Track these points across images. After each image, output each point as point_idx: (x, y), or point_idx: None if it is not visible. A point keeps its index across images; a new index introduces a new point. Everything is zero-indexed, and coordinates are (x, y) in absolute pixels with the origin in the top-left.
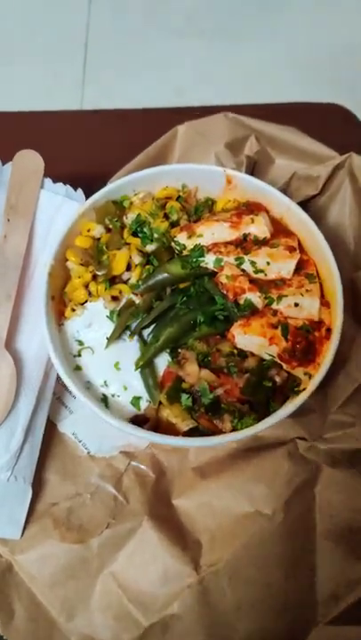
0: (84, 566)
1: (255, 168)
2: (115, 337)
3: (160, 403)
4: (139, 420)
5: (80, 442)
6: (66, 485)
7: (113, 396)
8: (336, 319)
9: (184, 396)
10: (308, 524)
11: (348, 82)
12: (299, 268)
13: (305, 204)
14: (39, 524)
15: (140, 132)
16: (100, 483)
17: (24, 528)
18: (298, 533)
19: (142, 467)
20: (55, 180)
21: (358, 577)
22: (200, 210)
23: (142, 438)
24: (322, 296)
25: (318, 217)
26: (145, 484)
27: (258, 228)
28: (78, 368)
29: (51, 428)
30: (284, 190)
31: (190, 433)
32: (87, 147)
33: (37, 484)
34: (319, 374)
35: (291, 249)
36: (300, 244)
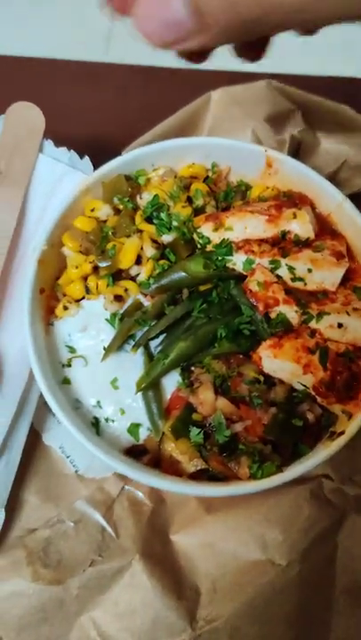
0: (59, 609)
1: (299, 150)
2: (114, 347)
3: (164, 434)
4: (136, 452)
5: (68, 458)
6: (47, 509)
7: (107, 420)
8: None
9: (194, 431)
10: (326, 579)
11: None
12: (346, 278)
13: (354, 199)
14: (10, 555)
15: (167, 94)
16: (87, 509)
17: None
18: (314, 588)
19: (138, 493)
20: (58, 144)
21: None
22: (231, 196)
23: (136, 480)
24: None
25: None
26: (140, 515)
27: (301, 225)
28: (67, 381)
29: (34, 440)
30: (332, 179)
31: (198, 475)
32: (102, 106)
33: (13, 505)
34: None
35: (338, 255)
36: (348, 249)
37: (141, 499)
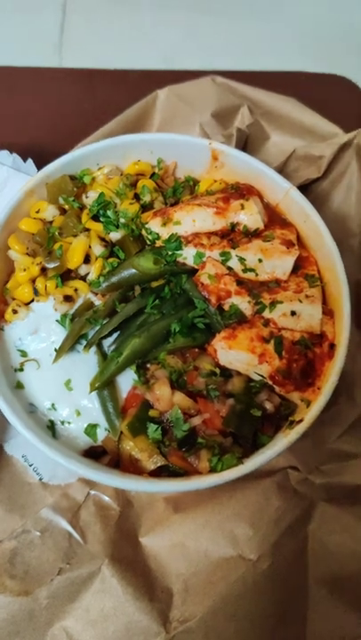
0: (29, 621)
1: (247, 144)
2: (66, 348)
3: (121, 433)
4: (95, 453)
5: (31, 466)
6: (12, 519)
7: (63, 422)
8: (342, 332)
9: (152, 427)
10: (298, 570)
11: (353, 57)
12: (297, 266)
13: (304, 189)
14: None
15: (113, 96)
16: (53, 517)
17: None
18: (287, 581)
19: (105, 497)
20: (1, 147)
21: (354, 632)
22: (179, 191)
23: (96, 481)
24: (324, 302)
25: (318, 204)
26: (107, 519)
27: (249, 215)
28: (20, 386)
29: None
30: (281, 171)
31: (158, 472)
32: (47, 108)
33: None
34: (319, 402)
35: (288, 243)
36: (298, 237)
37: (108, 502)
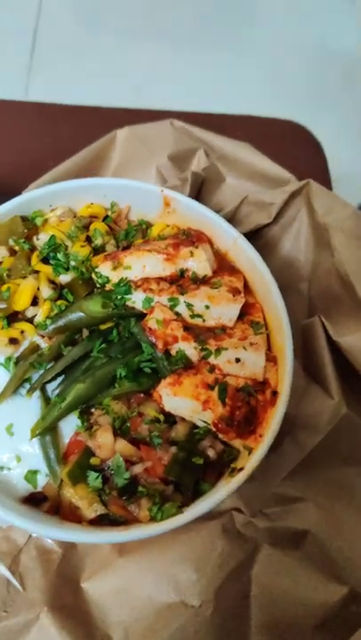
0: None
1: (203, 186)
2: (9, 392)
3: (62, 480)
4: (35, 499)
5: None
6: None
7: (2, 468)
8: (284, 381)
9: (92, 475)
10: (241, 617)
11: (312, 101)
12: (243, 313)
13: (255, 234)
14: None
15: (71, 132)
16: None
17: None
18: (229, 628)
19: (47, 540)
20: None
21: None
22: (132, 234)
23: (32, 532)
24: (268, 349)
25: (269, 249)
26: (48, 563)
27: (198, 263)
28: None
29: None
30: (233, 216)
31: (98, 520)
32: (5, 142)
33: None
34: (260, 450)
35: (235, 291)
36: (246, 284)
37: (50, 546)
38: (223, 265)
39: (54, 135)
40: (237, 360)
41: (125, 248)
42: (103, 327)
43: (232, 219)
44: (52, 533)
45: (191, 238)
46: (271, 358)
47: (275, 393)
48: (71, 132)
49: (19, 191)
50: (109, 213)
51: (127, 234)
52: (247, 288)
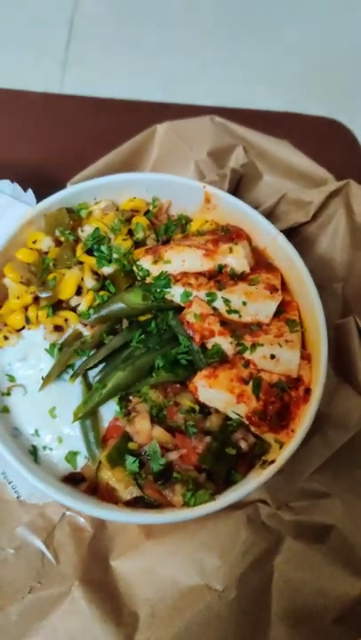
0: None
1: (240, 183)
2: (53, 377)
3: (100, 462)
4: (74, 479)
5: (10, 483)
6: None
7: (45, 448)
8: (318, 379)
9: (130, 459)
10: (262, 603)
11: (351, 98)
12: (279, 310)
13: (292, 232)
14: None
15: (112, 126)
16: (28, 536)
17: None
18: (250, 613)
19: (80, 519)
20: (1, 176)
21: None
22: (171, 229)
23: (71, 507)
24: (303, 347)
25: (305, 248)
26: (80, 541)
27: (236, 259)
28: (5, 410)
29: None
30: (271, 212)
31: (133, 502)
32: (47, 138)
33: None
34: (292, 445)
35: (272, 288)
36: (283, 281)
37: (82, 524)
38: (260, 262)
39: (94, 128)
40: (272, 356)
41: (165, 242)
42: (142, 319)
43: (270, 216)
44: (91, 510)
45: (230, 235)
46: (305, 356)
47: (308, 390)
48: (110, 124)
49: (61, 182)
50: (151, 208)
51: (167, 228)
52: (284, 286)
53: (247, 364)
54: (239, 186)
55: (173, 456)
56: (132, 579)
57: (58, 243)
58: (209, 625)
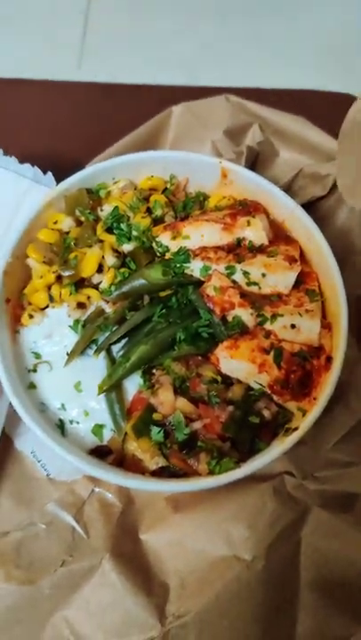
0: (32, 609)
1: (257, 160)
2: (77, 352)
3: (126, 434)
4: (101, 452)
5: (39, 462)
6: (19, 512)
7: (71, 422)
8: (339, 346)
9: (155, 430)
10: (291, 573)
11: None
12: (299, 281)
13: (310, 206)
14: None
15: (129, 110)
16: (59, 511)
17: None
18: (279, 583)
19: (108, 494)
20: (22, 160)
21: (344, 635)
22: (189, 206)
23: (101, 478)
24: (323, 316)
25: (324, 221)
26: (109, 516)
27: (255, 232)
28: (32, 386)
29: (6, 444)
30: (288, 188)
31: (159, 472)
32: (65, 123)
33: None
34: (314, 412)
35: (291, 259)
36: (301, 253)
37: (111, 500)
38: (279, 235)
39: (110, 112)
40: (293, 326)
41: (183, 219)
42: (163, 294)
43: (287, 191)
44: (119, 481)
45: (248, 208)
46: (326, 325)
47: (329, 358)
48: (126, 109)
49: (79, 165)
50: (168, 186)
51: (185, 205)
52: (303, 257)
53: (268, 334)
54: (256, 164)
55: (197, 425)
56: (162, 551)
57: (78, 223)
58: (239, 595)
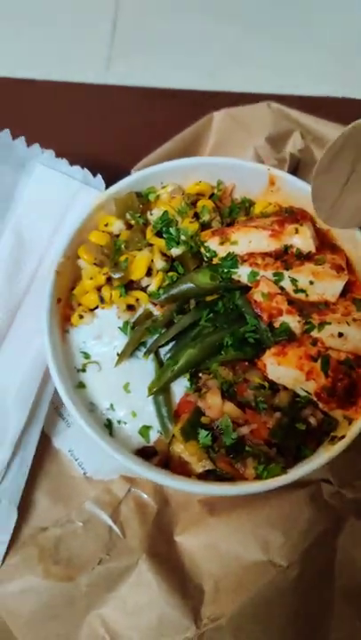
0: (69, 606)
1: (298, 168)
2: (127, 353)
3: (173, 436)
4: (146, 453)
5: (76, 460)
6: (57, 509)
7: (119, 422)
8: None
9: (203, 433)
10: (325, 581)
11: None
12: (346, 290)
13: None
14: (23, 552)
15: (170, 115)
16: (95, 510)
17: (5, 554)
18: (314, 590)
19: (144, 495)
20: (72, 163)
21: None
22: (236, 212)
23: (147, 477)
24: None
25: None
26: (145, 516)
27: (302, 240)
28: (82, 386)
29: (45, 442)
30: None
31: (205, 475)
32: (111, 127)
33: (25, 504)
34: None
35: (338, 268)
36: (347, 262)
37: (147, 500)
38: (325, 243)
39: (147, 116)
40: (340, 334)
41: (229, 224)
42: (209, 298)
43: None
44: (167, 481)
45: (295, 216)
46: None
47: None
48: (162, 113)
49: (123, 169)
50: (215, 191)
51: (231, 211)
52: (349, 266)
53: (315, 342)
54: (297, 171)
55: (245, 430)
56: (196, 553)
57: (128, 226)
58: (273, 600)
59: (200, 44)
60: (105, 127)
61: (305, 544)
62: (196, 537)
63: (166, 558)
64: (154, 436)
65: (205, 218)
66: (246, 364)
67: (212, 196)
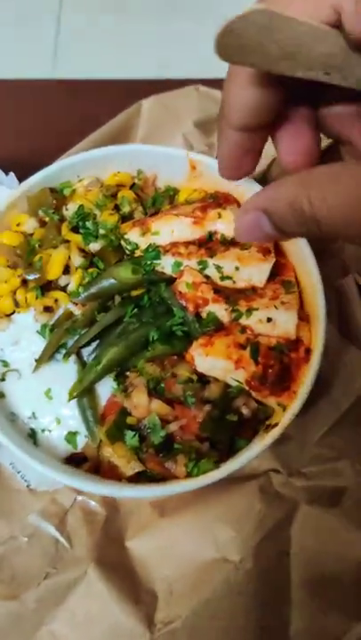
0: (17, 625)
1: None
2: (45, 358)
3: (101, 440)
4: (76, 460)
5: (19, 473)
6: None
7: (43, 430)
8: (317, 338)
9: (129, 434)
10: (281, 571)
11: None
12: (274, 273)
13: None
14: None
15: (95, 106)
16: (41, 523)
17: None
18: (270, 582)
19: (91, 502)
20: None
21: (338, 631)
22: (159, 201)
23: (74, 486)
24: (301, 308)
25: None
26: (93, 524)
27: (226, 224)
28: (1, 395)
29: None
30: (263, 178)
31: (137, 477)
32: (27, 122)
33: None
34: (294, 406)
35: (265, 251)
36: (276, 244)
37: (95, 508)
38: None
39: (79, 110)
40: (269, 319)
41: (154, 214)
42: (135, 293)
43: (261, 180)
44: (96, 489)
45: (218, 200)
46: (304, 317)
47: (308, 350)
48: (96, 106)
49: (43, 166)
50: (136, 181)
51: (155, 201)
52: (278, 248)
53: (244, 329)
54: None
55: (174, 427)
56: (148, 557)
57: (42, 223)
58: (228, 597)
59: (143, 37)
60: (21, 123)
61: (257, 537)
62: (147, 541)
63: (117, 565)
64: (81, 441)
65: (126, 209)
66: (175, 358)
67: (132, 187)
